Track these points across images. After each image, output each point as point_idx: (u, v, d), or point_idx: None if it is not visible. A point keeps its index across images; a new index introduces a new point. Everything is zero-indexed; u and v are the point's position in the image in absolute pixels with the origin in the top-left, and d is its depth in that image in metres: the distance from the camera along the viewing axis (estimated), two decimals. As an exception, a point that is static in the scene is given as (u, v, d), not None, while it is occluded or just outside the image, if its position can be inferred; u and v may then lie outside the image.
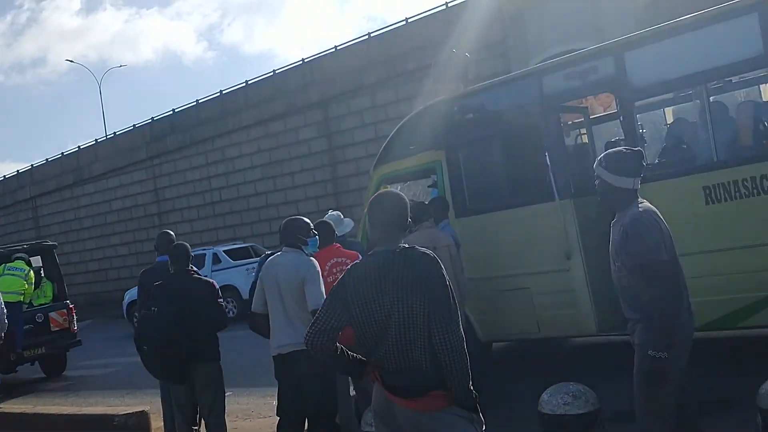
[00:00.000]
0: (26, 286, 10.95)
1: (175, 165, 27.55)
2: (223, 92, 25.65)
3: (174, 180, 27.69)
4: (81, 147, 31.94)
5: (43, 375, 12.10)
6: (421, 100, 7.87)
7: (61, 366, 12.23)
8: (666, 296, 3.19)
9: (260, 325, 4.72)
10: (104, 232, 30.27)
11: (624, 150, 3.53)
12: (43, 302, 11.86)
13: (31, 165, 34.78)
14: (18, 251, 11.93)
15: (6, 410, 8.21)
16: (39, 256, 12.64)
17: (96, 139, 31.52)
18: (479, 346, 6.87)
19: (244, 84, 25.01)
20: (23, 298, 10.94)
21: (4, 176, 36.57)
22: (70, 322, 11.80)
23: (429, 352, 2.77)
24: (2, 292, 10.09)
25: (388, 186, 7.71)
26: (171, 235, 5.87)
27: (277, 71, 24.25)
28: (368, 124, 21.25)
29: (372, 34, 21.88)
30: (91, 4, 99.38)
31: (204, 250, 17.67)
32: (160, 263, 5.63)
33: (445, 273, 2.84)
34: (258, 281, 4.74)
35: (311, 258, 4.64)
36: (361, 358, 2.98)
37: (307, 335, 2.89)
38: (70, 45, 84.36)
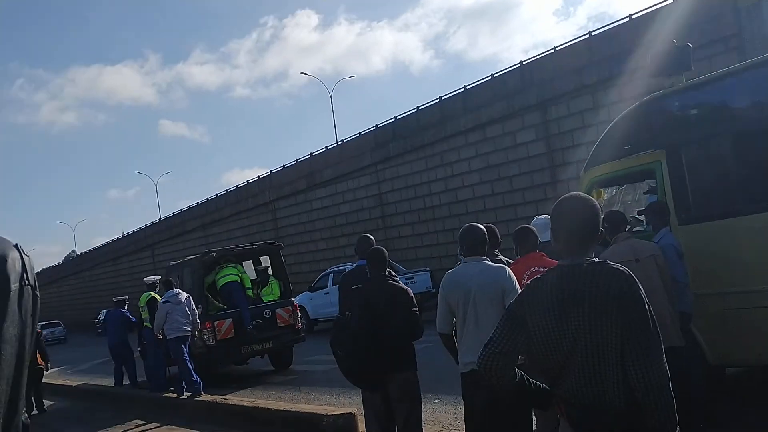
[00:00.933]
0: (239, 272, 12.85)
1: (397, 170, 28.48)
2: (442, 98, 26.03)
3: (396, 185, 28.63)
4: (313, 154, 34.31)
5: (272, 368, 13.03)
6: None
7: (288, 360, 13.08)
8: None
9: (450, 347, 4.47)
10: (334, 234, 32.19)
11: None
12: (271, 299, 12.80)
13: (270, 171, 38.12)
14: (247, 251, 13.29)
15: (231, 402, 8.92)
16: (267, 256, 13.68)
17: (326, 147, 33.64)
18: (709, 370, 6.09)
19: (462, 89, 25.15)
20: (239, 279, 12.66)
21: (248, 181, 40.48)
22: (295, 319, 12.58)
23: (624, 389, 2.34)
24: (223, 276, 11.78)
25: (602, 191, 7.15)
26: (370, 239, 5.88)
27: (495, 74, 24.06)
28: (589, 125, 20.24)
29: (593, 33, 20.84)
30: (327, 20, 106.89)
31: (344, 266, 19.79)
32: (359, 267, 5.66)
33: (643, 294, 2.38)
34: (440, 299, 4.42)
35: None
36: (545, 387, 2.60)
37: (480, 358, 2.57)
38: (308, 59, 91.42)
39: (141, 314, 12.21)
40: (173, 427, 8.98)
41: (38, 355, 12.71)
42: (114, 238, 61.56)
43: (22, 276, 1.34)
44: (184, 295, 10.65)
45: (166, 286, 10.98)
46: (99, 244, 65.37)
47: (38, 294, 1.39)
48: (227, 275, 12.60)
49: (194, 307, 10.65)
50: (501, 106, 23.23)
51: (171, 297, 10.55)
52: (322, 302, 19.87)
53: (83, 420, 10.98)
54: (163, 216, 53.22)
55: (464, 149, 25.02)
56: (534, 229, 5.38)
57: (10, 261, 1.32)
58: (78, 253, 77.47)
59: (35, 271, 1.41)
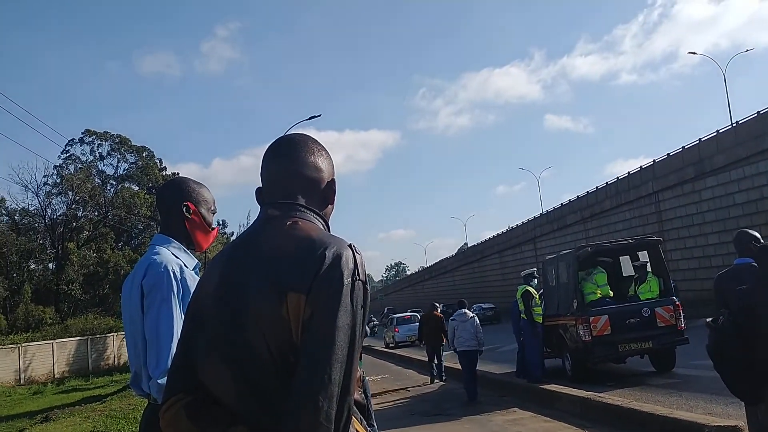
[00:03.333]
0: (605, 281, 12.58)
1: (807, 152, 24.65)
2: None
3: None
4: (702, 139, 31.53)
5: (653, 369, 12.33)
6: None
7: (670, 362, 12.24)
8: None
9: None
10: (727, 227, 29.09)
11: None
12: (649, 297, 12.12)
13: (653, 160, 36.05)
14: (623, 246, 12.86)
15: (606, 400, 8.70)
16: (645, 251, 12.97)
17: (717, 131, 30.62)
18: None
19: None
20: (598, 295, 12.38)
21: (629, 172, 38.89)
22: (677, 319, 11.72)
23: None
24: (589, 293, 11.62)
25: None
26: (752, 234, 5.16)
27: None
28: None
29: None
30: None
31: None
32: (736, 267, 5.00)
33: None
34: None
35: None
36: None
37: None
38: (700, 35, 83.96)
39: (519, 305, 12.65)
40: (547, 419, 9.12)
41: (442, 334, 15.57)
42: (500, 231, 64.92)
43: (354, 272, 1.51)
44: (469, 314, 12.53)
45: (460, 305, 12.93)
46: (487, 237, 69.58)
47: (368, 288, 1.55)
48: (590, 293, 12.30)
49: (479, 325, 12.45)
50: None
51: (458, 316, 12.46)
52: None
53: (466, 401, 11.81)
54: (544, 210, 54.37)
55: None
56: None
57: (344, 259, 1.50)
58: (468, 245, 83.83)
59: (365, 267, 1.59)
